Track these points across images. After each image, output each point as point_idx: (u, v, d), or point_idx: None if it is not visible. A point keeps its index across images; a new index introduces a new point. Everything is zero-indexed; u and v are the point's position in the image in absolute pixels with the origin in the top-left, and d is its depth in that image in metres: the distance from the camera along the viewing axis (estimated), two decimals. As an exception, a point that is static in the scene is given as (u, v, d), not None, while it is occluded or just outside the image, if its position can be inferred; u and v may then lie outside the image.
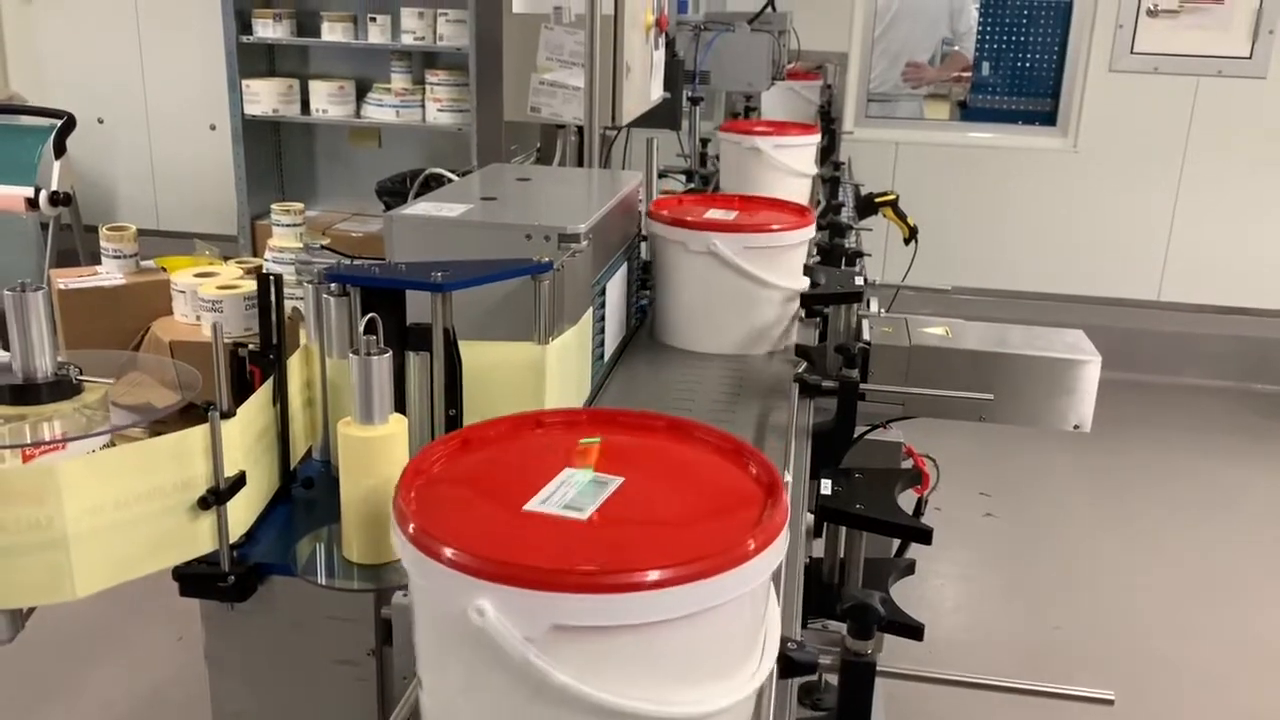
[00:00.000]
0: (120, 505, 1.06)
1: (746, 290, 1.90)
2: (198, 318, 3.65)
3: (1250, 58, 4.89)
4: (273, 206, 4.29)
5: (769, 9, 4.23)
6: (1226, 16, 4.88)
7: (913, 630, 1.38)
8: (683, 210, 2.06)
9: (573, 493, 0.91)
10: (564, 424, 1.05)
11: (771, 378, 1.85)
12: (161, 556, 1.11)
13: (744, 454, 0.97)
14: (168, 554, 1.11)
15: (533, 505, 0.88)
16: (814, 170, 3.05)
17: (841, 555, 1.66)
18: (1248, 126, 4.95)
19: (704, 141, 3.66)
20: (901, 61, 5.76)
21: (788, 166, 2.91)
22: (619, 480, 0.93)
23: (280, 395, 1.27)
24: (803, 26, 4.59)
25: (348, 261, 1.45)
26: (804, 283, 1.98)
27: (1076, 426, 1.85)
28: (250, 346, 1.30)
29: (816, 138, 3.05)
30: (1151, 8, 4.93)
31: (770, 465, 0.95)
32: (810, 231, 1.97)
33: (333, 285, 1.30)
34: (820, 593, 1.63)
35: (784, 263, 1.95)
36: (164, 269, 3.95)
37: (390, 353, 1.12)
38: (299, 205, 4.31)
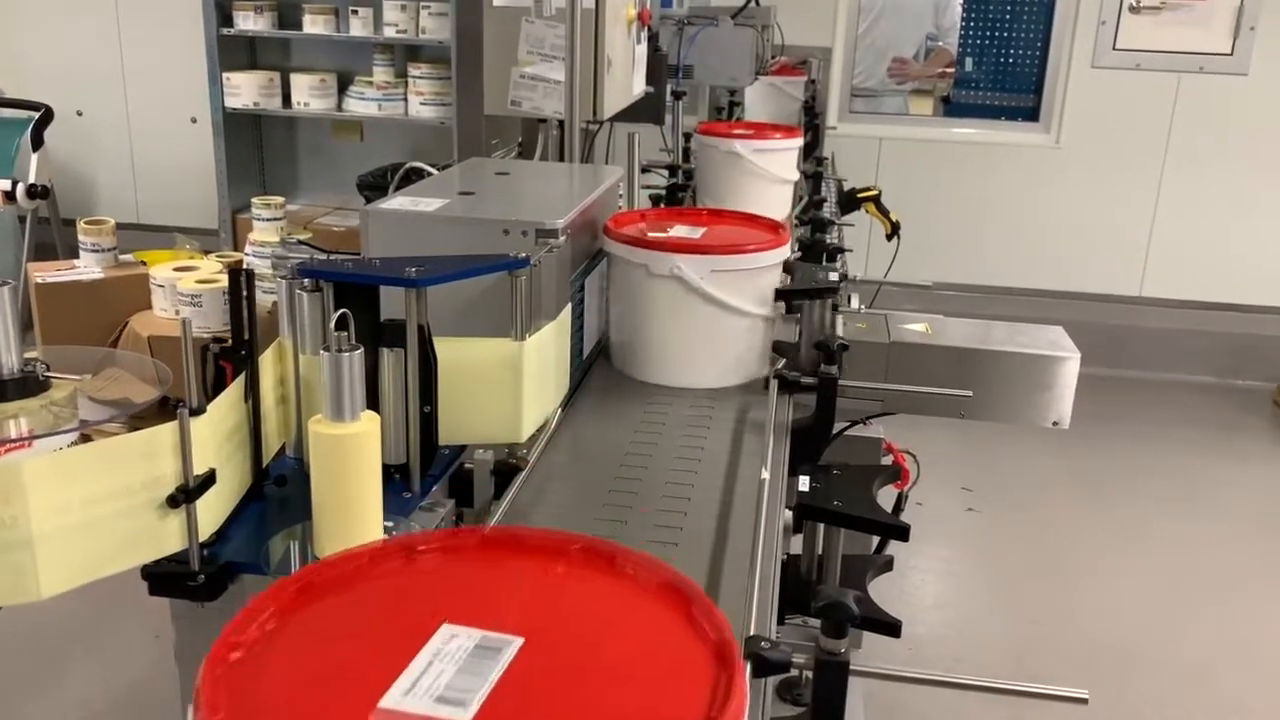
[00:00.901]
0: (87, 504, 1.04)
1: (715, 317, 1.76)
2: (177, 312, 3.64)
3: (1231, 54, 4.91)
4: (253, 200, 4.29)
5: (753, 4, 4.22)
6: (1208, 13, 4.90)
7: (890, 627, 1.38)
8: (644, 228, 1.90)
9: (450, 672, 0.69)
10: (442, 551, 0.82)
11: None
12: (129, 556, 1.09)
13: (689, 602, 0.77)
14: (136, 553, 1.10)
15: (391, 700, 0.66)
16: (795, 175, 2.92)
17: (820, 551, 1.65)
18: (1229, 123, 4.98)
19: (687, 136, 3.65)
20: (887, 57, 5.76)
21: (768, 172, 2.78)
22: (516, 643, 0.72)
23: (252, 392, 1.26)
24: (786, 21, 4.59)
25: (322, 256, 1.44)
26: (776, 307, 1.86)
27: (1055, 423, 1.85)
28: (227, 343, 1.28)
29: (798, 141, 2.91)
30: (1134, 4, 4.94)
31: (722, 621, 0.76)
32: (785, 250, 1.83)
33: (305, 281, 1.28)
34: (798, 589, 1.62)
35: (760, 284, 1.81)
36: (143, 263, 3.94)
37: (361, 349, 1.10)
38: (280, 199, 4.31)
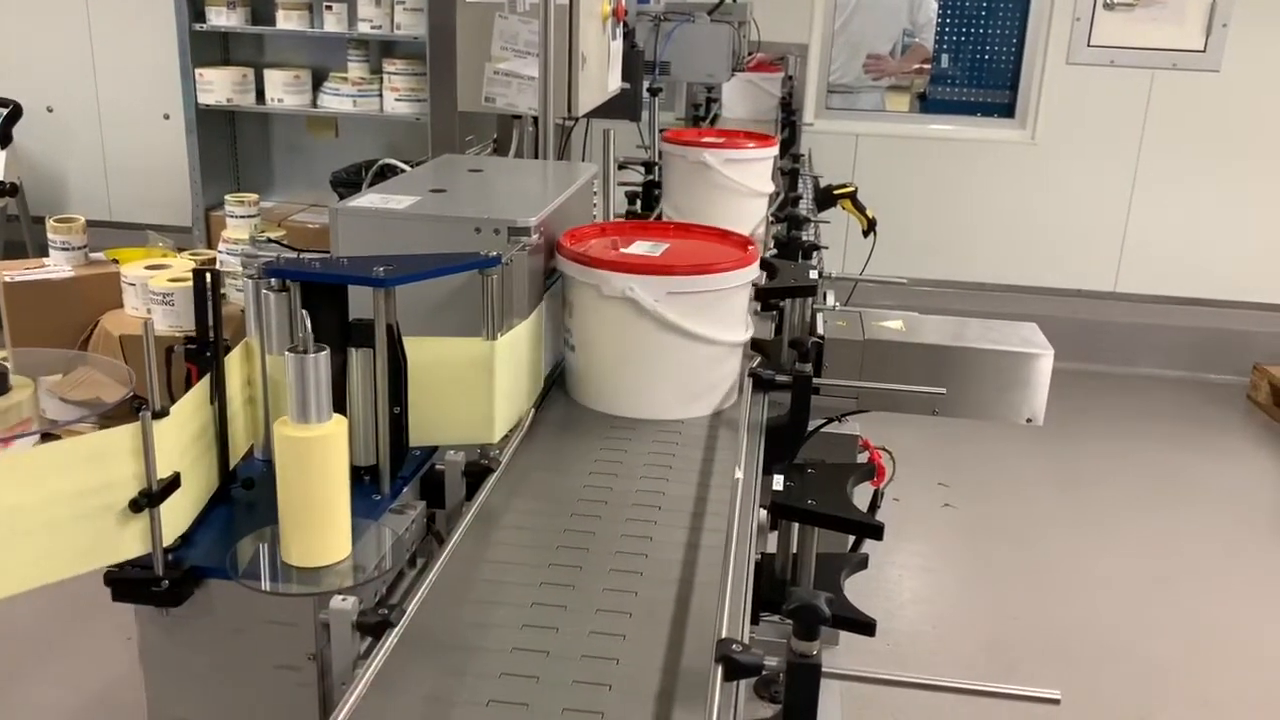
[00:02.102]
0: (45, 505, 1.02)
1: (673, 345, 1.59)
2: (148, 311, 3.60)
3: (1204, 51, 4.94)
4: (227, 198, 4.26)
5: (729, 0, 4.21)
6: (1180, 10, 4.93)
7: (864, 626, 1.37)
8: (599, 245, 1.74)
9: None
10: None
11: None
12: (89, 559, 1.07)
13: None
14: (96, 557, 1.08)
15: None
16: (771, 187, 2.70)
17: (795, 550, 1.65)
18: (1202, 119, 5.01)
19: (664, 132, 3.64)
20: (862, 53, 5.76)
21: (741, 185, 2.57)
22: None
23: (219, 393, 1.24)
24: (763, 18, 4.58)
25: (290, 255, 1.42)
26: (746, 332, 1.69)
27: (1029, 420, 1.85)
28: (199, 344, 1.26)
29: (773, 150, 2.68)
30: (1108, 1, 4.97)
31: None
32: (754, 270, 1.67)
33: (272, 280, 1.27)
34: (773, 588, 1.62)
35: (725, 309, 1.65)
36: (115, 261, 3.90)
37: (327, 350, 1.09)
38: (253, 196, 4.28)
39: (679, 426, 1.61)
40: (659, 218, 2.71)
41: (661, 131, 3.56)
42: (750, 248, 1.71)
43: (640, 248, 1.72)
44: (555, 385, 1.72)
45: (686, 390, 1.63)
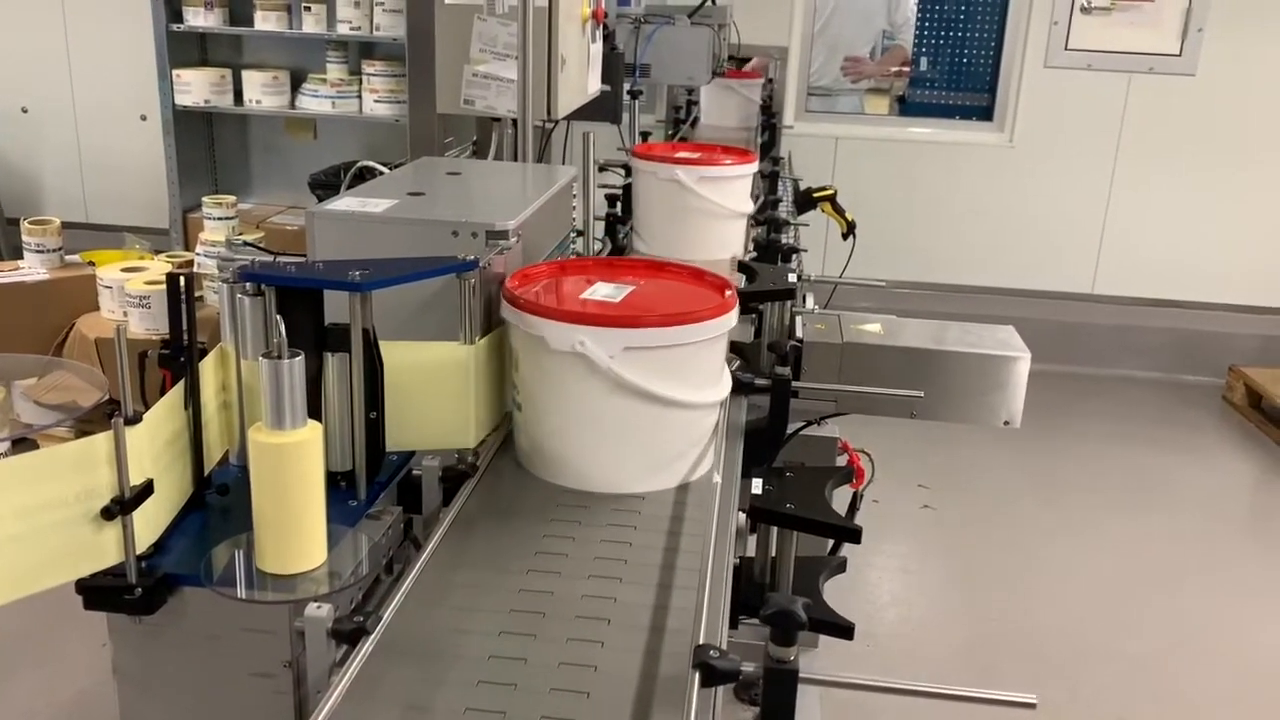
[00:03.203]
0: (18, 516, 1.01)
1: (631, 409, 1.36)
2: (125, 314, 3.57)
3: (1180, 55, 4.98)
4: (205, 199, 4.23)
5: (709, 3, 4.21)
6: (1157, 14, 4.97)
7: (842, 630, 1.38)
8: (548, 287, 1.51)
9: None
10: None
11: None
12: (64, 569, 1.06)
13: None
14: (71, 567, 1.07)
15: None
16: (750, 207, 2.50)
17: (773, 554, 1.65)
18: (1178, 122, 5.05)
19: (644, 135, 3.64)
20: (840, 55, 5.78)
21: (717, 205, 2.36)
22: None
23: (193, 399, 1.23)
24: (743, 21, 4.59)
25: (266, 258, 1.41)
26: (721, 390, 1.47)
27: (1007, 422, 1.86)
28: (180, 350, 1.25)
29: (753, 167, 2.47)
30: (1085, 5, 5.00)
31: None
32: (731, 319, 1.43)
33: (247, 284, 1.26)
34: (751, 591, 1.62)
35: (694, 366, 1.40)
36: (91, 263, 3.87)
37: (302, 355, 1.08)
38: (231, 198, 4.26)
39: (638, 504, 1.37)
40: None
41: (644, 135, 3.56)
42: (728, 293, 1.47)
43: (600, 291, 1.49)
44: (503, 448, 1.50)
45: (648, 460, 1.40)
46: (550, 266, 1.58)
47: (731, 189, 2.40)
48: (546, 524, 1.31)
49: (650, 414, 1.37)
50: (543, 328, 1.35)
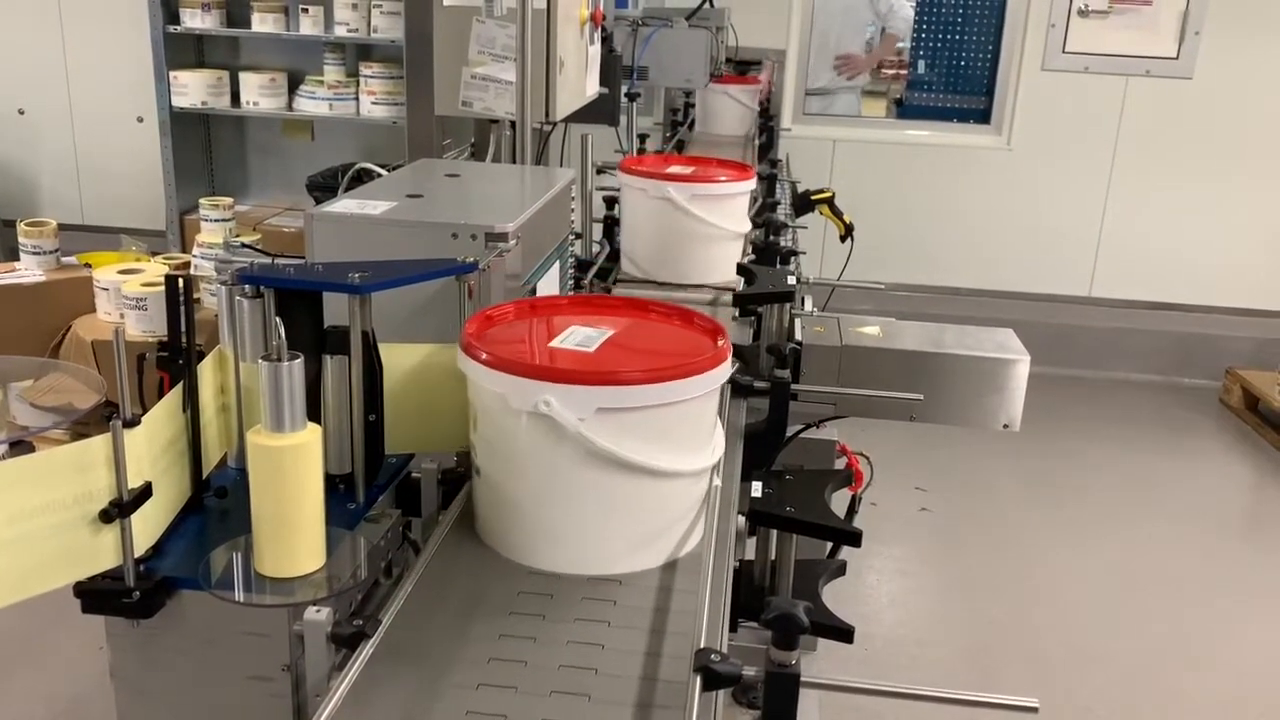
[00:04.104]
0: (15, 520, 1.01)
1: (607, 479, 1.18)
2: (121, 316, 3.57)
3: (1177, 58, 4.99)
4: (202, 201, 4.23)
5: (707, 5, 4.22)
6: (1154, 17, 4.98)
7: (842, 633, 1.38)
8: (515, 332, 1.34)
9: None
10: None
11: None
12: (62, 573, 1.06)
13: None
14: (68, 570, 1.06)
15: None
16: (747, 227, 2.34)
17: (773, 557, 1.65)
18: (1174, 125, 5.06)
19: (643, 137, 3.64)
20: (831, 54, 5.75)
21: (713, 225, 2.20)
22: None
23: (191, 401, 1.22)
24: (740, 23, 4.59)
25: (265, 260, 1.40)
26: (715, 450, 1.30)
27: (1006, 425, 1.86)
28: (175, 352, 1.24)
29: (750, 184, 2.31)
30: (1082, 8, 5.01)
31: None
32: (723, 372, 1.24)
33: (246, 286, 1.25)
34: (751, 595, 1.62)
35: (681, 428, 1.22)
36: (87, 265, 3.86)
37: (301, 358, 1.08)
38: (229, 200, 4.25)
39: (614, 590, 1.19)
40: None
41: (642, 138, 3.56)
42: (720, 341, 1.28)
43: (573, 337, 1.30)
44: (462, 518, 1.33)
45: (627, 537, 1.21)
46: (518, 306, 1.41)
47: (727, 208, 2.23)
48: (504, 618, 1.12)
49: (629, 485, 1.18)
50: (502, 383, 1.16)
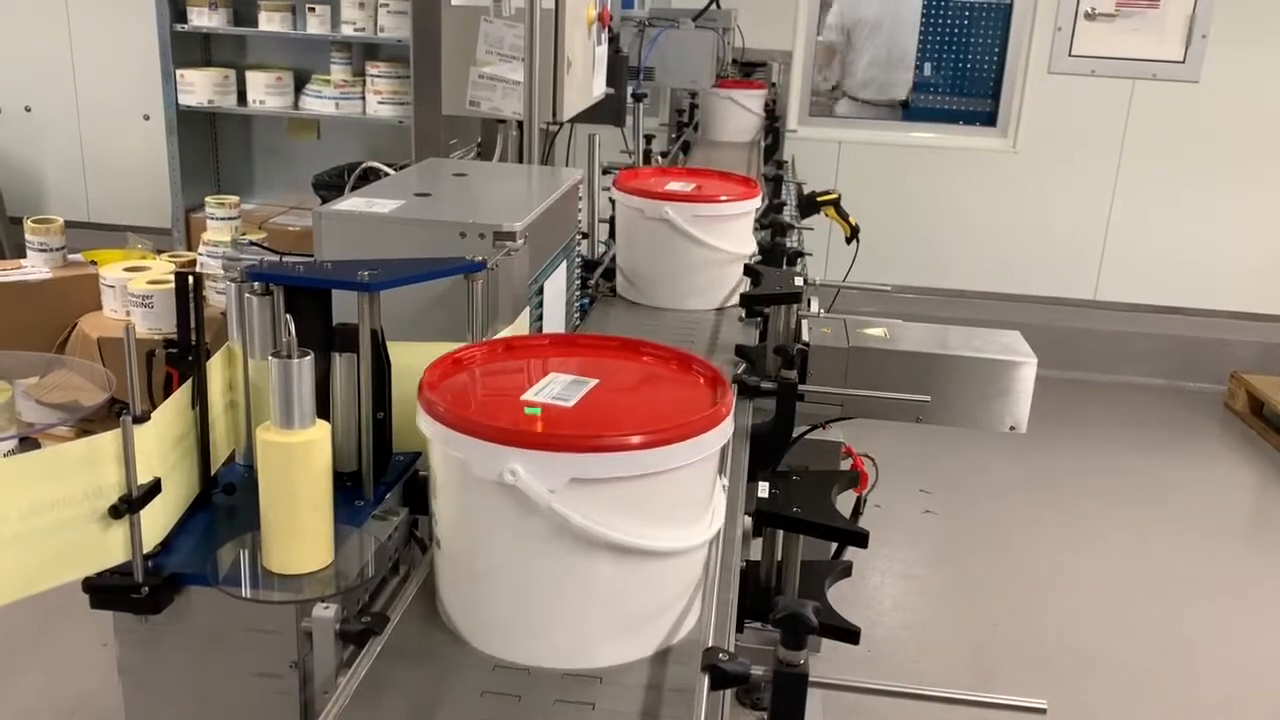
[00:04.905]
0: (25, 515, 1.01)
1: (583, 562, 1.02)
2: (127, 313, 3.57)
3: (1184, 62, 4.99)
4: (207, 199, 4.23)
5: (714, 6, 4.22)
6: (1160, 21, 4.97)
7: (849, 634, 1.38)
8: (479, 382, 1.18)
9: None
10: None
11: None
12: (71, 568, 1.06)
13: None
14: (77, 565, 1.07)
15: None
16: (751, 248, 2.19)
17: (779, 558, 1.65)
18: (1181, 129, 5.05)
19: (648, 138, 3.64)
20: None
21: (714, 247, 2.05)
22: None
23: (200, 398, 1.23)
24: (747, 24, 4.60)
25: (273, 258, 1.41)
26: (714, 522, 1.12)
27: (1013, 428, 1.86)
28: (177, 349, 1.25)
29: (755, 202, 2.18)
30: (1089, 11, 5.01)
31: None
32: (725, 431, 1.07)
33: (255, 284, 1.25)
34: (757, 595, 1.62)
35: (673, 498, 1.06)
36: (93, 263, 3.87)
37: (311, 355, 1.08)
38: (234, 198, 4.26)
39: (592, 688, 1.03)
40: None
41: (648, 138, 3.56)
42: (721, 394, 1.12)
43: (550, 388, 1.13)
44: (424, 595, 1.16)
45: (609, 625, 1.05)
46: (491, 347, 1.24)
47: (730, 229, 2.09)
48: None
49: (610, 567, 1.02)
50: (462, 446, 1.00)
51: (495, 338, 1.29)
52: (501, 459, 0.98)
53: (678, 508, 1.06)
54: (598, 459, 0.98)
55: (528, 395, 1.11)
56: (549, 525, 0.99)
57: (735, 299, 2.14)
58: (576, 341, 1.30)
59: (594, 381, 1.15)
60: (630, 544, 1.01)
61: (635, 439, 0.99)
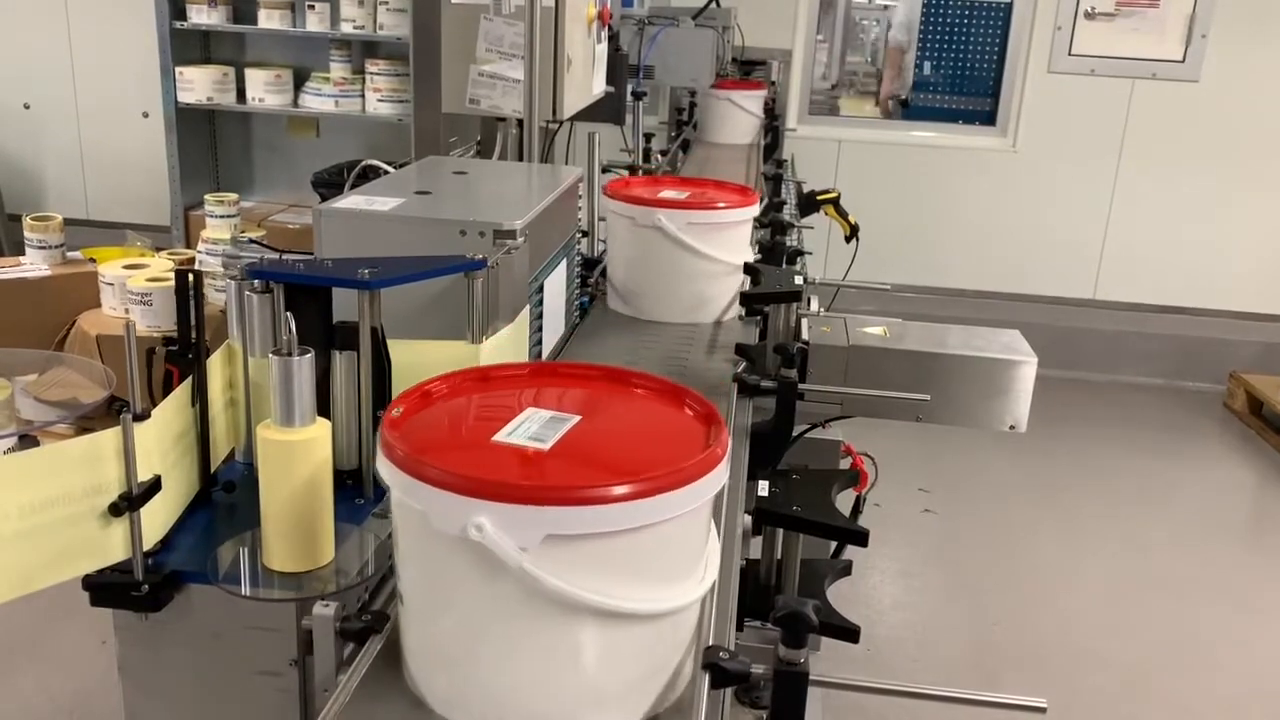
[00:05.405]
0: (25, 513, 1.01)
1: (560, 626, 0.92)
2: (126, 311, 3.57)
3: (1183, 61, 4.98)
4: (206, 197, 4.22)
5: (713, 4, 4.22)
6: (1160, 21, 4.97)
7: (848, 633, 1.38)
8: (446, 421, 1.06)
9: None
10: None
11: (713, 375, 1.83)
12: (71, 566, 1.06)
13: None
14: (77, 563, 1.07)
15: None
16: (749, 257, 2.11)
17: (779, 556, 1.65)
18: (1180, 129, 5.05)
19: (648, 137, 3.64)
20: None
21: (712, 258, 1.97)
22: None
23: (200, 396, 1.23)
24: (746, 23, 4.60)
25: (273, 256, 1.41)
26: (706, 579, 1.01)
27: (1012, 427, 1.86)
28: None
29: (753, 210, 2.10)
30: (1089, 11, 5.01)
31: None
32: (720, 476, 0.96)
33: (255, 282, 1.25)
34: (757, 593, 1.62)
35: (661, 554, 0.95)
36: (92, 260, 3.86)
37: (312, 353, 1.08)
38: (233, 196, 4.25)
39: None
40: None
41: (648, 136, 3.55)
42: (715, 429, 1.02)
43: (525, 427, 1.02)
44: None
45: (589, 693, 0.95)
46: (464, 378, 1.12)
47: (727, 238, 1.99)
48: None
49: (588, 632, 0.92)
50: (422, 496, 0.90)
51: (470, 368, 1.16)
52: (466, 512, 0.86)
53: (667, 563, 0.95)
54: (576, 513, 0.87)
55: (500, 436, 0.99)
56: (520, 587, 0.87)
57: (732, 312, 2.07)
58: (558, 371, 1.20)
59: (575, 418, 1.04)
60: (613, 607, 0.90)
61: (619, 489, 0.87)
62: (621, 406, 1.11)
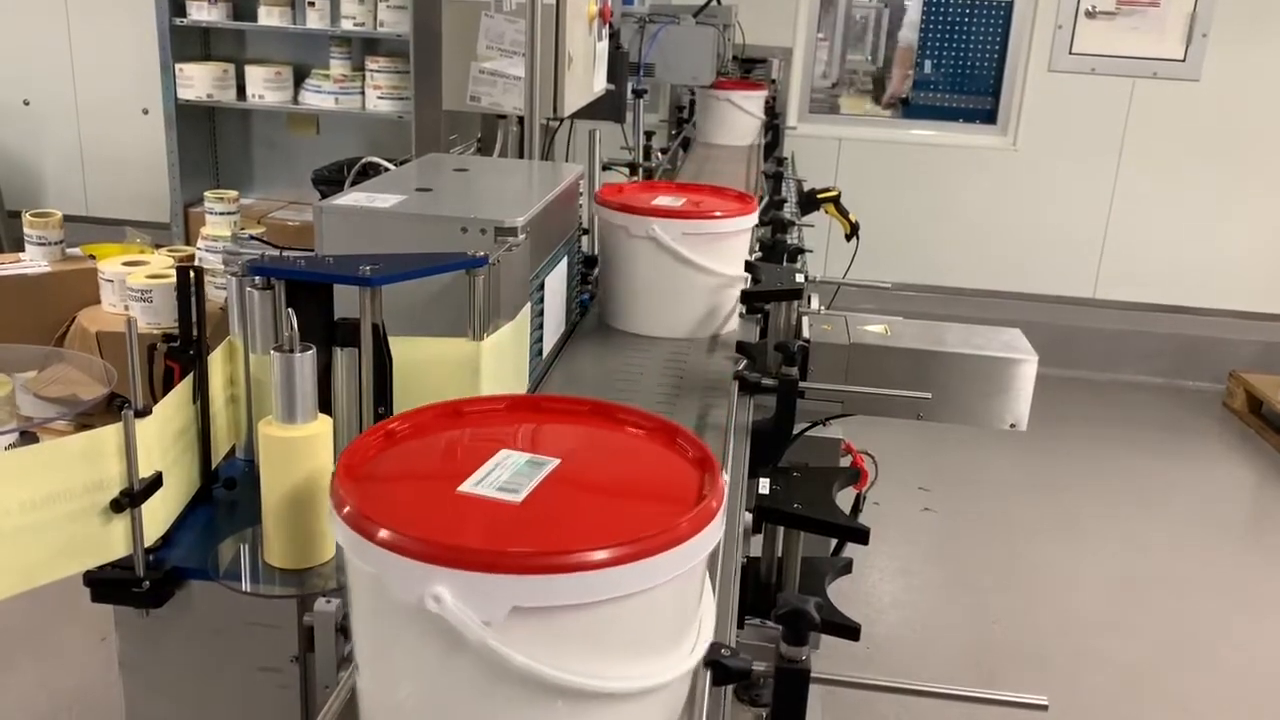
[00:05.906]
0: (27, 508, 1.01)
1: (540, 706, 0.80)
2: (126, 307, 3.56)
3: (1184, 60, 4.98)
4: (206, 194, 4.22)
5: (714, 2, 4.21)
6: (1161, 20, 4.97)
7: (849, 630, 1.38)
8: (412, 466, 0.95)
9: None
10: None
11: (713, 373, 1.82)
12: (72, 561, 1.06)
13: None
14: (79, 559, 1.07)
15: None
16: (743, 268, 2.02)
17: (779, 554, 1.65)
18: (1181, 127, 5.05)
19: (648, 134, 3.64)
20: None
21: (708, 269, 1.88)
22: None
23: (201, 392, 1.22)
24: (747, 21, 4.59)
25: (274, 253, 1.40)
26: (699, 647, 0.90)
27: (1013, 425, 1.86)
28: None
29: (753, 219, 2.01)
30: (1090, 9, 5.00)
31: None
32: (714, 533, 0.85)
33: (256, 278, 1.25)
34: (758, 591, 1.62)
35: (642, 625, 0.83)
36: (92, 257, 3.86)
37: (313, 349, 1.08)
38: (233, 193, 4.25)
39: None
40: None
41: (648, 134, 3.55)
42: (710, 476, 0.91)
43: (498, 474, 0.90)
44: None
45: None
46: (436, 413, 1.01)
47: (724, 248, 1.90)
48: None
49: (565, 714, 0.80)
50: (376, 559, 0.78)
51: (442, 402, 1.03)
52: (422, 580, 0.75)
53: (654, 634, 0.83)
54: (547, 582, 0.75)
55: (467, 486, 0.87)
56: (483, 664, 0.76)
57: (729, 326, 2.00)
58: (539, 405, 1.08)
59: (554, 462, 0.92)
60: (592, 688, 0.78)
61: (597, 554, 0.75)
62: (607, 447, 1.00)
